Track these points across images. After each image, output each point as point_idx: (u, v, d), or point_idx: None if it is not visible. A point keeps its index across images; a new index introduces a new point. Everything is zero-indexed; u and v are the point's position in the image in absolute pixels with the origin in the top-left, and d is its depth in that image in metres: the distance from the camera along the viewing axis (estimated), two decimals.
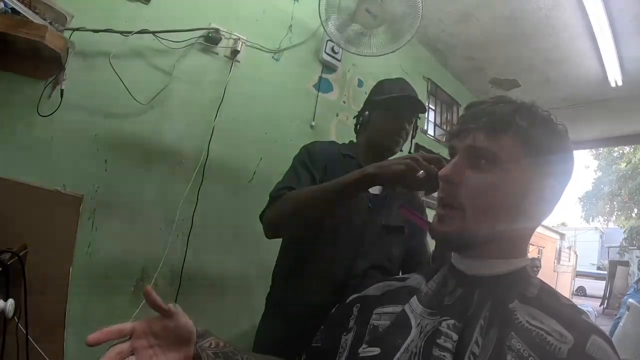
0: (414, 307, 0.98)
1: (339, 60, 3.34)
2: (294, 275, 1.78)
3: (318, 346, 1.14)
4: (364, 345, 0.99)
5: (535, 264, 7.44)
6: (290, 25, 3.04)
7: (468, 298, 0.91)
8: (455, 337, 0.85)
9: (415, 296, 1.01)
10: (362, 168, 1.41)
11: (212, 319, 2.53)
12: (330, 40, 3.08)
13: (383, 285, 1.15)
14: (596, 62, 4.09)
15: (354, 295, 1.17)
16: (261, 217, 1.70)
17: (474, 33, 3.98)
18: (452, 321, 0.88)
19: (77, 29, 2.03)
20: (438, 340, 0.86)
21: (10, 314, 1.26)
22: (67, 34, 1.99)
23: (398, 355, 0.90)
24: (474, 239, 0.93)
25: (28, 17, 1.77)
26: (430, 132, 4.70)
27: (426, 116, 4.56)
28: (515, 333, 0.82)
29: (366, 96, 2.02)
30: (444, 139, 4.76)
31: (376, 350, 0.95)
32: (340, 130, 3.32)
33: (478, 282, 0.93)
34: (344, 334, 1.08)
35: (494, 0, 3.46)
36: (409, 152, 2.07)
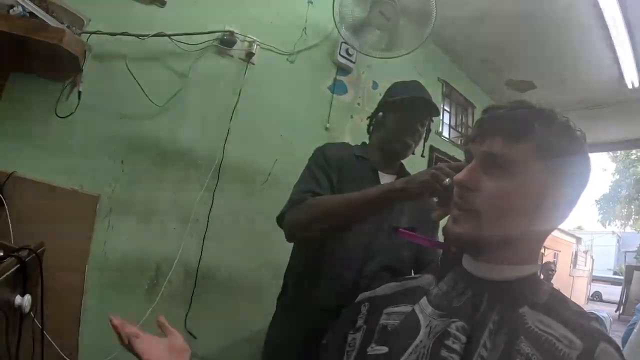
0: (423, 308, 0.98)
1: (354, 62, 3.34)
2: (304, 277, 1.78)
3: (324, 343, 1.15)
4: (372, 344, 0.99)
5: (551, 268, 7.33)
6: (305, 28, 3.05)
7: (477, 301, 0.91)
8: (463, 339, 0.85)
9: (425, 297, 1.01)
10: (389, 183, 1.44)
11: (225, 319, 2.58)
12: (345, 43, 3.10)
13: (393, 285, 1.14)
14: (612, 63, 4.04)
15: (364, 295, 1.17)
16: (279, 219, 1.71)
17: (489, 34, 3.97)
18: (461, 323, 0.88)
19: (94, 32, 2.07)
20: (446, 342, 0.86)
21: (27, 309, 1.28)
22: (84, 37, 2.02)
23: (406, 355, 0.90)
24: (487, 243, 0.92)
25: (46, 20, 1.80)
26: (445, 134, 4.67)
27: (441, 118, 4.55)
28: (525, 337, 0.82)
29: (381, 98, 2.02)
30: (459, 142, 4.74)
31: (384, 350, 0.95)
32: (355, 132, 3.32)
33: (488, 286, 0.93)
34: (351, 332, 1.08)
35: (508, 2, 3.45)
36: (422, 155, 2.07)
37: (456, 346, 0.85)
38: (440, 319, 0.92)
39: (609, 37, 3.62)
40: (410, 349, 0.90)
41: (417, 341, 0.91)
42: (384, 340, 0.98)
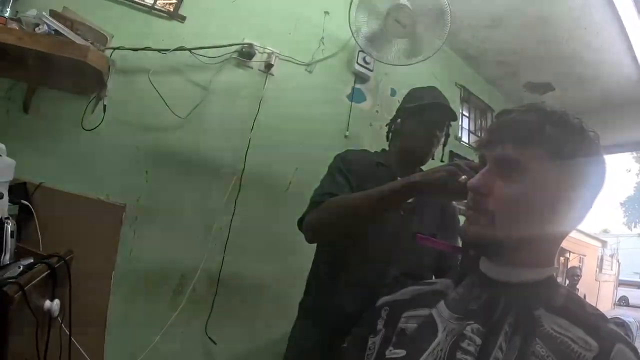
0: (441, 311, 0.99)
1: (371, 70, 3.35)
2: (326, 282, 1.78)
3: (345, 347, 1.17)
4: (390, 348, 1.00)
5: (576, 273, 7.26)
6: (322, 38, 3.08)
7: (493, 304, 0.92)
8: (478, 341, 0.86)
9: (442, 300, 1.02)
10: (406, 177, 1.43)
11: (247, 324, 2.62)
12: (362, 51, 3.12)
13: (412, 289, 1.15)
14: (631, 62, 3.95)
15: (384, 299, 1.18)
16: (299, 222, 1.71)
17: (505, 37, 3.92)
18: (476, 325, 0.88)
19: (117, 48, 2.15)
20: (462, 344, 0.87)
21: (56, 313, 1.33)
22: (107, 52, 2.10)
23: (423, 358, 0.91)
24: (502, 245, 0.93)
25: (70, 38, 1.87)
26: (465, 139, 4.64)
27: (460, 123, 4.52)
28: (540, 340, 0.82)
29: (399, 105, 2.02)
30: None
31: (402, 353, 0.96)
32: (375, 139, 3.30)
33: (504, 289, 0.93)
34: (372, 336, 1.09)
35: (523, 4, 3.42)
36: (441, 160, 2.07)
37: (471, 348, 0.86)
38: (457, 322, 0.93)
39: (625, 35, 3.57)
40: (427, 352, 0.91)
41: (434, 344, 0.92)
42: (402, 343, 0.99)
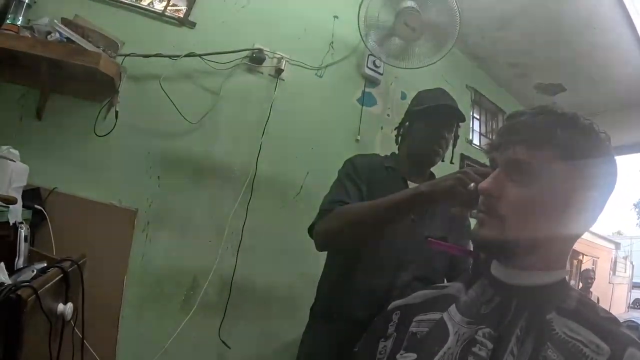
0: (452, 315, 0.98)
1: (381, 74, 3.36)
2: (337, 287, 1.77)
3: (356, 351, 1.17)
4: (401, 351, 1.00)
5: (590, 276, 7.15)
6: (332, 42, 3.08)
7: (505, 307, 0.92)
8: (490, 345, 0.86)
9: (454, 304, 1.01)
10: (414, 187, 1.43)
11: (259, 329, 2.62)
12: (372, 55, 3.12)
13: (423, 293, 1.15)
14: None
15: (395, 303, 1.18)
16: (310, 229, 1.71)
17: (515, 39, 3.90)
18: (488, 330, 0.88)
19: (129, 55, 2.18)
20: (473, 349, 0.87)
21: (69, 317, 1.34)
22: (119, 59, 2.13)
23: None
24: (513, 248, 0.92)
25: (82, 45, 1.89)
26: (476, 141, 4.61)
27: (471, 126, 4.51)
28: (552, 344, 0.81)
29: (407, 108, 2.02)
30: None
31: (413, 356, 0.97)
32: (386, 143, 3.30)
33: (516, 292, 0.93)
34: (382, 340, 1.10)
35: (532, 5, 3.40)
36: (451, 162, 2.06)
37: (482, 353, 0.85)
38: (468, 326, 0.93)
39: (636, 34, 3.53)
40: (438, 356, 0.91)
41: (445, 348, 0.91)
42: (413, 347, 0.99)
